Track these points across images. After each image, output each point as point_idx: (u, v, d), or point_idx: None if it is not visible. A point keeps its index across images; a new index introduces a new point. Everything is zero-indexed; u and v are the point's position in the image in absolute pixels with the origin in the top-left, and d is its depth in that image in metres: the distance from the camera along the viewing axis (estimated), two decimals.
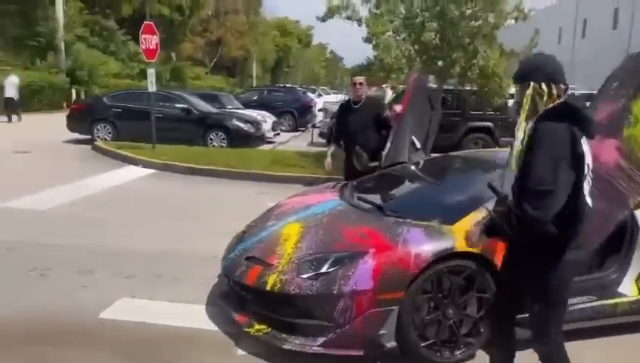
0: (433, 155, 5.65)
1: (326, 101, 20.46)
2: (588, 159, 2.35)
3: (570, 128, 2.26)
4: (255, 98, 19.87)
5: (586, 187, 2.35)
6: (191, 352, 3.30)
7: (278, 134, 15.78)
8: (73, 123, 13.04)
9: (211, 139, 12.57)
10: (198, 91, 18.53)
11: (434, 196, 4.11)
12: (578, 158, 2.26)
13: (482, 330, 3.25)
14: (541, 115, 2.31)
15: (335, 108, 9.20)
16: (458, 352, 3.25)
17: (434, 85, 9.46)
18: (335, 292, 3.07)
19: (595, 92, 3.25)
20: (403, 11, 8.79)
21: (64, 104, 22.98)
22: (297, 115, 19.22)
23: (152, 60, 11.20)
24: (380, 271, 3.09)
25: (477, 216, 3.31)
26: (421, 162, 5.01)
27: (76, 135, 12.94)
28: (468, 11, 8.37)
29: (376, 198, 4.14)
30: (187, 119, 12.61)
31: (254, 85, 40.05)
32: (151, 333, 3.48)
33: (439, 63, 8.81)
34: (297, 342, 3.14)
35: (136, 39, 11.51)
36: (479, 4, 8.27)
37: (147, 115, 11.23)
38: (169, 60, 35.33)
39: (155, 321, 3.64)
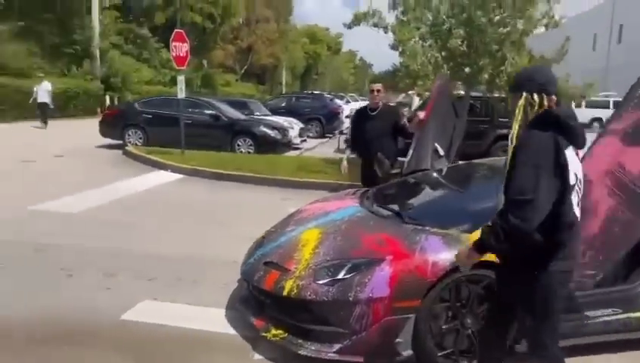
0: (460, 162, 5.60)
1: (353, 108, 20.47)
2: (577, 170, 2.32)
3: (553, 137, 2.25)
4: (283, 105, 20.04)
5: (575, 198, 2.31)
6: (209, 355, 3.34)
7: (305, 140, 15.86)
8: (106, 129, 13.38)
9: (238, 145, 12.73)
10: (227, 98, 18.80)
11: (455, 204, 4.07)
12: (561, 167, 2.24)
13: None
14: (527, 124, 2.32)
15: None
16: None
17: (462, 92, 9.39)
18: (351, 298, 3.07)
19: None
20: (430, 18, 8.74)
21: (98, 110, 23.61)
22: (325, 121, 19.30)
23: (182, 68, 11.42)
24: (396, 278, 3.08)
25: None
26: (444, 170, 4.96)
27: (108, 140, 13.27)
28: (496, 18, 8.27)
29: (396, 205, 4.12)
30: (216, 126, 12.81)
31: (283, 92, 40.35)
32: (171, 335, 3.54)
33: (467, 69, 8.72)
34: (313, 348, 3.14)
35: (168, 47, 11.73)
36: (507, 11, 8.15)
37: (176, 121, 11.45)
38: (200, 67, 35.94)
39: (175, 323, 3.70)
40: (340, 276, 3.18)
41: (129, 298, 4.04)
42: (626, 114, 2.81)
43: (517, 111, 2.35)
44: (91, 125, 14.10)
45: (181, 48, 11.14)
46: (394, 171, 5.06)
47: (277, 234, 3.98)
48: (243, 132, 12.82)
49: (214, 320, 3.78)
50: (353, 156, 5.57)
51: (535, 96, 2.32)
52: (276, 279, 3.37)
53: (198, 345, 3.44)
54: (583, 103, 26.14)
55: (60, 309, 3.82)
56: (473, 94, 9.95)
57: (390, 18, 8.79)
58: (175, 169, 10.05)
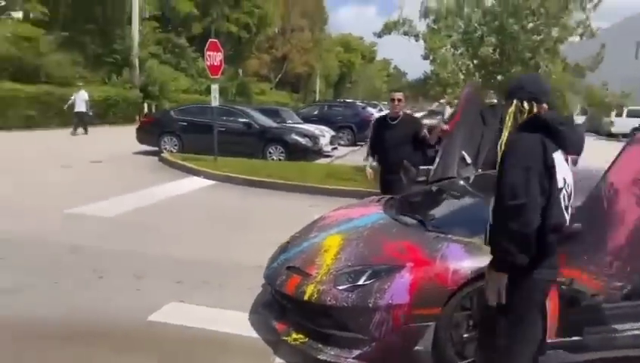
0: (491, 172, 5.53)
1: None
2: (565, 174, 2.29)
3: (541, 139, 2.26)
4: (315, 113, 20.19)
5: (562, 202, 2.28)
6: (231, 357, 3.41)
7: (336, 148, 15.92)
8: (142, 136, 13.76)
9: (270, 152, 12.89)
10: (260, 106, 19.08)
11: (480, 212, 4.00)
12: (549, 169, 2.23)
13: None
14: (516, 128, 2.34)
15: None
16: None
17: (494, 100, 9.27)
18: (371, 305, 3.08)
19: None
20: (462, 26, 8.69)
21: (136, 117, 24.29)
22: (356, 129, 19.33)
23: (216, 76, 11.67)
24: (416, 285, 3.08)
25: None
26: (472, 178, 4.91)
27: (145, 147, 13.63)
28: (529, 25, 8.16)
29: (420, 213, 4.11)
30: (248, 133, 13.01)
31: (316, 100, 40.59)
32: (195, 337, 3.61)
33: (499, 77, 8.62)
34: (332, 353, 3.16)
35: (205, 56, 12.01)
36: (541, 18, 8.03)
37: (210, 128, 11.68)
38: (235, 76, 36.55)
39: (200, 325, 3.78)
40: (361, 282, 3.20)
41: (157, 300, 4.14)
42: None
43: (507, 118, 2.40)
44: (129, 132, 14.50)
45: (215, 57, 11.39)
46: (420, 179, 5.04)
47: (300, 240, 4.03)
48: (274, 140, 12.98)
49: (238, 323, 3.84)
50: (375, 163, 5.59)
51: (525, 104, 2.36)
52: (297, 284, 3.41)
53: (221, 347, 3.51)
54: (624, 112, 25.36)
55: (91, 309, 3.95)
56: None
57: (421, 26, 8.79)
58: (208, 176, 10.25)
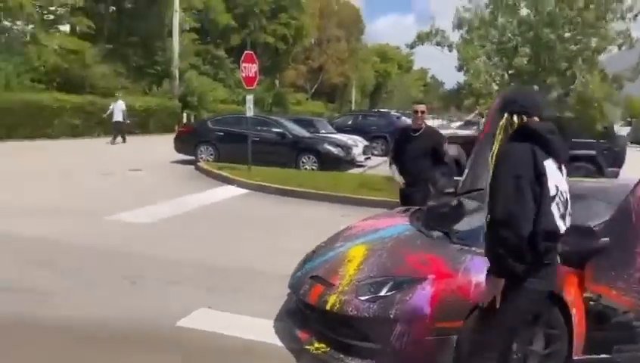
0: None
1: None
2: (558, 182, 2.27)
3: (531, 147, 2.29)
4: (349, 123, 20.26)
5: (556, 210, 2.25)
6: None
7: (369, 158, 15.93)
8: (180, 145, 14.11)
9: (303, 162, 13.01)
10: (293, 116, 19.29)
11: None
12: (539, 176, 2.25)
13: None
14: (506, 141, 2.39)
15: None
16: None
17: None
18: (392, 316, 3.10)
19: None
20: (496, 36, 8.61)
21: (176, 127, 24.92)
22: (390, 139, 19.20)
23: (251, 87, 11.89)
24: (438, 298, 3.07)
25: None
26: None
27: (183, 156, 13.97)
28: (566, 35, 8.01)
29: (446, 225, 4.10)
30: (282, 143, 13.18)
31: (352, 110, 40.69)
32: (221, 343, 3.70)
33: (535, 87, 8.48)
34: None
35: None
36: (577, 28, 7.88)
37: (245, 138, 11.90)
38: (272, 86, 37.06)
39: (226, 332, 3.86)
40: (382, 293, 3.21)
41: (186, 305, 4.25)
42: None
43: (497, 131, 2.46)
44: (168, 142, 14.89)
45: (250, 68, 11.62)
46: (448, 190, 5.02)
47: (325, 249, 4.08)
48: (307, 150, 13.11)
49: (263, 330, 3.90)
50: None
51: (515, 117, 2.41)
52: (320, 293, 3.46)
53: (245, 354, 3.58)
54: None
55: (122, 313, 4.10)
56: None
57: (455, 37, 8.76)
58: (241, 185, 10.44)
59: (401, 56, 65.82)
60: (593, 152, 11.22)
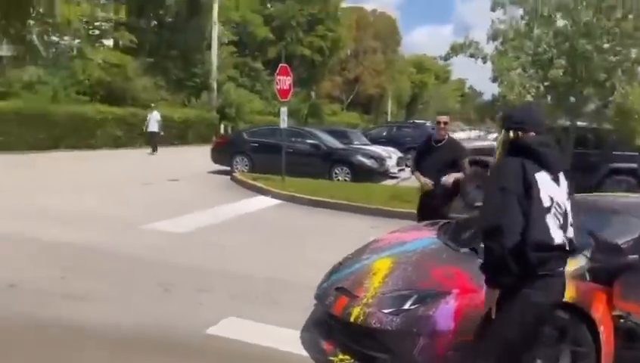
0: None
1: (459, 138, 20.11)
2: (553, 193, 2.29)
3: (521, 161, 2.33)
4: (384, 134, 20.26)
5: (553, 221, 2.24)
6: None
7: (403, 169, 15.85)
8: (216, 156, 14.42)
9: (336, 173, 13.09)
10: (327, 128, 19.39)
11: None
12: (529, 189, 2.28)
13: None
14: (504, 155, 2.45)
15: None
16: None
17: (567, 123, 8.96)
18: (415, 330, 3.11)
19: None
20: (531, 47, 8.50)
21: (213, 138, 25.44)
22: None
23: (285, 100, 12.07)
24: (461, 312, 3.07)
25: (573, 264, 3.13)
26: None
27: (219, 166, 14.26)
28: (605, 45, 7.83)
29: (473, 239, 4.07)
30: (315, 154, 13.31)
31: (388, 121, 40.59)
32: (247, 352, 3.77)
33: (571, 99, 8.32)
34: None
35: None
36: (617, 38, 7.70)
37: (279, 149, 12.06)
38: (308, 98, 37.38)
39: (254, 340, 3.93)
40: (406, 306, 3.23)
41: (216, 314, 4.36)
42: None
43: (497, 146, 2.56)
44: (206, 152, 15.22)
45: (285, 81, 11.80)
46: (478, 204, 4.97)
47: (352, 261, 4.12)
48: (340, 161, 13.19)
49: (290, 340, 3.96)
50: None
51: (511, 133, 2.48)
52: (345, 305, 3.50)
53: None
54: None
55: (154, 319, 4.23)
56: (583, 124, 9.44)
57: (489, 49, 8.69)
58: (275, 195, 10.58)
59: (438, 66, 65.30)
60: (634, 165, 10.88)
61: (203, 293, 4.89)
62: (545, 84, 8.35)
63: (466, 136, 21.07)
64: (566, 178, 2.51)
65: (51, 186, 10.44)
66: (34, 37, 20.58)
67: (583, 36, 7.67)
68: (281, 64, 12.28)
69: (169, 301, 4.67)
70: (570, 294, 3.05)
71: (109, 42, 25.75)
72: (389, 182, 13.70)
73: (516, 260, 2.26)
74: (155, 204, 9.28)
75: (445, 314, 3.08)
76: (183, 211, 8.57)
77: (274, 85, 12.30)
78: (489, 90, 60.68)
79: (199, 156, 16.44)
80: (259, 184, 11.47)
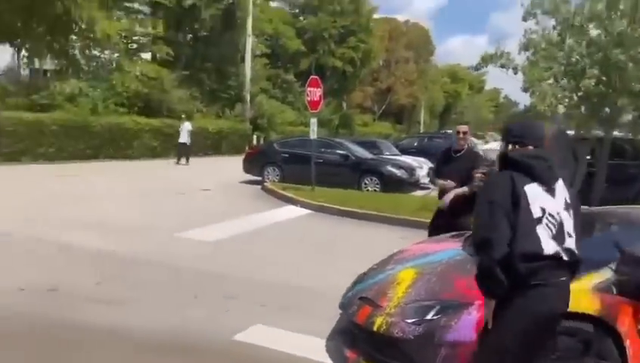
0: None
1: (487, 148, 19.88)
2: (544, 204, 2.32)
3: (509, 174, 2.37)
4: (415, 145, 20.19)
5: (545, 231, 2.27)
6: None
7: None
8: (248, 166, 14.66)
9: (365, 184, 13.12)
10: (357, 138, 19.47)
11: None
12: (516, 200, 2.30)
13: None
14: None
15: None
16: None
17: (601, 134, 8.79)
18: (436, 340, 3.13)
19: None
20: (564, 58, 8.40)
21: (246, 148, 25.84)
22: None
23: (315, 111, 12.22)
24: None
25: (599, 277, 3.12)
26: None
27: (250, 177, 14.49)
28: None
29: None
30: (345, 164, 13.39)
31: (421, 131, 40.38)
32: (273, 359, 3.86)
33: (606, 110, 8.16)
34: None
35: None
36: None
37: (309, 160, 12.20)
38: (339, 108, 37.57)
39: (280, 348, 4.01)
40: (429, 317, 3.26)
41: (244, 321, 4.46)
42: None
43: (496, 160, 2.62)
44: (238, 163, 15.49)
45: (315, 93, 11.96)
46: None
47: (376, 272, 4.17)
48: (370, 171, 13.23)
49: (315, 348, 4.02)
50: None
51: (510, 147, 2.54)
52: (368, 314, 3.54)
53: None
54: None
55: (184, 325, 4.37)
56: (620, 135, 9.23)
57: (520, 59, 8.63)
58: (304, 205, 10.69)
59: (472, 76, 64.63)
60: None
61: (231, 299, 5.01)
62: (579, 94, 8.21)
63: (499, 146, 20.74)
64: (569, 188, 2.52)
65: (91, 195, 10.83)
66: (76, 51, 21.48)
67: (617, 46, 7.54)
68: (311, 76, 12.45)
69: (198, 307, 4.80)
70: (594, 307, 3.04)
71: (146, 56, 26.55)
72: (419, 193, 13.63)
73: (505, 271, 2.28)
74: (188, 213, 9.51)
75: (467, 325, 3.10)
76: (214, 220, 8.76)
77: (305, 96, 12.46)
78: (525, 100, 59.53)
79: (232, 167, 16.72)
80: (288, 194, 11.61)
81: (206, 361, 3.81)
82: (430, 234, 5.37)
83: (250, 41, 27.96)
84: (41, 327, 4.14)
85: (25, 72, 22.95)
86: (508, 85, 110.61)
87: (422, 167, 14.87)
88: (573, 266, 2.45)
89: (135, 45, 25.83)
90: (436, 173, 5.60)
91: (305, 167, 12.43)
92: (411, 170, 13.68)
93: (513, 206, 2.34)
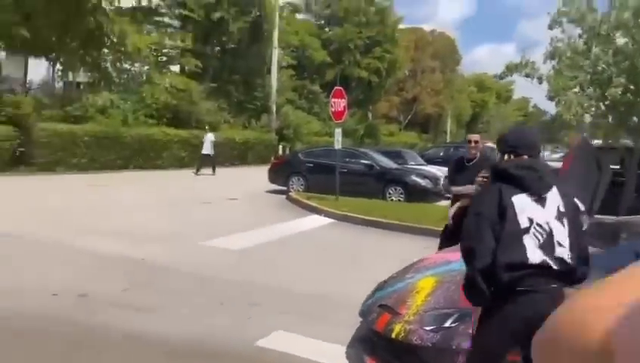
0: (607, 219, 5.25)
1: None
2: (532, 214, 2.32)
3: (497, 186, 2.40)
4: (441, 154, 20.08)
5: (532, 240, 2.25)
6: None
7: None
8: (273, 176, 14.83)
9: (389, 193, 13.13)
10: (382, 148, 19.46)
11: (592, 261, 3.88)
12: (503, 211, 2.32)
13: None
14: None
15: None
16: None
17: (629, 143, 8.65)
18: (454, 347, 3.16)
19: None
20: (590, 66, 8.32)
21: (272, 159, 26.07)
22: None
23: (340, 121, 12.33)
24: None
25: None
26: (585, 225, 4.70)
27: (275, 186, 14.65)
28: None
29: None
30: (369, 174, 13.43)
31: (447, 141, 40.08)
32: None
33: (634, 118, 8.04)
34: None
35: None
36: None
37: (333, 169, 12.29)
38: (364, 118, 37.62)
39: (301, 354, 4.09)
40: (447, 324, 3.29)
41: (266, 327, 4.56)
42: None
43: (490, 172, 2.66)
44: (264, 173, 15.68)
45: (339, 103, 12.07)
46: None
47: (396, 280, 4.21)
48: (394, 181, 13.24)
49: (335, 355, 4.08)
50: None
51: (505, 156, 2.56)
52: (387, 321, 3.59)
53: None
54: None
55: (209, 331, 4.48)
56: None
57: (545, 69, 8.58)
58: (328, 214, 10.77)
59: (500, 85, 63.84)
60: None
61: (254, 307, 5.11)
62: (605, 103, 8.11)
63: None
64: (564, 197, 2.50)
65: (121, 204, 11.13)
66: (108, 64, 22.13)
67: None
68: (336, 87, 12.58)
69: (222, 314, 4.92)
70: None
71: (175, 68, 27.14)
72: (444, 203, 13.53)
73: (487, 281, 2.32)
74: (214, 222, 9.69)
75: None
76: (239, 229, 8.91)
77: (330, 107, 12.59)
78: (553, 109, 58.42)
79: (257, 177, 16.92)
80: (313, 203, 11.71)
81: None
82: (441, 247, 5.38)
83: (276, 53, 28.34)
84: (72, 331, 4.31)
85: (59, 85, 23.73)
86: (537, 94, 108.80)
87: None
88: (566, 275, 2.43)
89: (164, 58, 26.46)
90: (450, 182, 5.65)
91: (329, 177, 12.53)
92: (435, 180, 13.62)
93: (499, 217, 2.37)
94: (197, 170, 19.36)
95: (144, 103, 21.70)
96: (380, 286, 4.24)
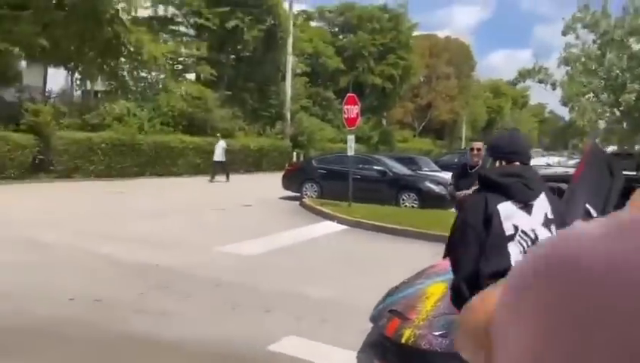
0: None
1: (535, 165, 19.47)
2: (518, 221, 2.33)
3: (484, 195, 2.38)
4: (456, 161, 19.96)
5: (516, 248, 2.28)
6: None
7: None
8: (287, 182, 14.92)
9: (403, 200, 13.12)
10: (395, 155, 19.45)
11: None
12: (488, 220, 2.33)
13: None
14: None
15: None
16: None
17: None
18: None
19: None
20: (604, 72, 8.27)
21: (286, 165, 26.20)
22: None
23: (352, 128, 12.38)
24: None
25: None
26: None
27: (289, 193, 14.73)
28: None
29: None
30: (382, 181, 13.45)
31: (462, 147, 39.84)
32: None
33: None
34: None
35: None
36: None
37: (346, 176, 12.33)
38: (379, 125, 37.62)
39: (312, 359, 4.14)
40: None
41: (278, 332, 4.61)
42: None
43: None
44: (278, 179, 15.78)
45: (352, 110, 12.13)
46: None
47: (407, 285, 4.23)
48: (408, 187, 13.23)
49: (346, 360, 4.12)
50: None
51: (497, 162, 2.54)
52: (397, 326, 3.61)
53: None
54: None
55: (222, 335, 4.55)
56: None
57: (558, 75, 8.55)
58: (340, 221, 10.80)
59: (515, 91, 63.50)
60: None
61: (266, 312, 5.17)
62: (620, 109, 8.05)
63: (544, 162, 20.22)
64: (552, 203, 2.50)
65: (137, 210, 11.30)
66: (125, 73, 22.51)
67: None
68: (348, 94, 12.65)
69: (235, 318, 4.98)
70: None
71: (191, 76, 27.48)
72: None
73: (471, 289, 2.34)
74: (228, 228, 9.79)
75: None
76: (253, 235, 8.99)
77: (342, 114, 12.66)
78: (568, 115, 57.78)
79: (272, 183, 17.03)
80: (325, 209, 11.75)
81: None
82: (445, 256, 5.37)
83: (290, 61, 28.53)
84: (88, 335, 4.40)
85: (77, 93, 24.16)
86: (553, 100, 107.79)
87: None
88: None
89: (180, 66, 26.82)
90: (456, 188, 5.71)
91: (342, 183, 12.57)
92: (449, 186, 13.59)
93: (485, 225, 2.39)
94: (212, 177, 19.54)
95: (160, 111, 21.99)
96: (391, 292, 4.27)
